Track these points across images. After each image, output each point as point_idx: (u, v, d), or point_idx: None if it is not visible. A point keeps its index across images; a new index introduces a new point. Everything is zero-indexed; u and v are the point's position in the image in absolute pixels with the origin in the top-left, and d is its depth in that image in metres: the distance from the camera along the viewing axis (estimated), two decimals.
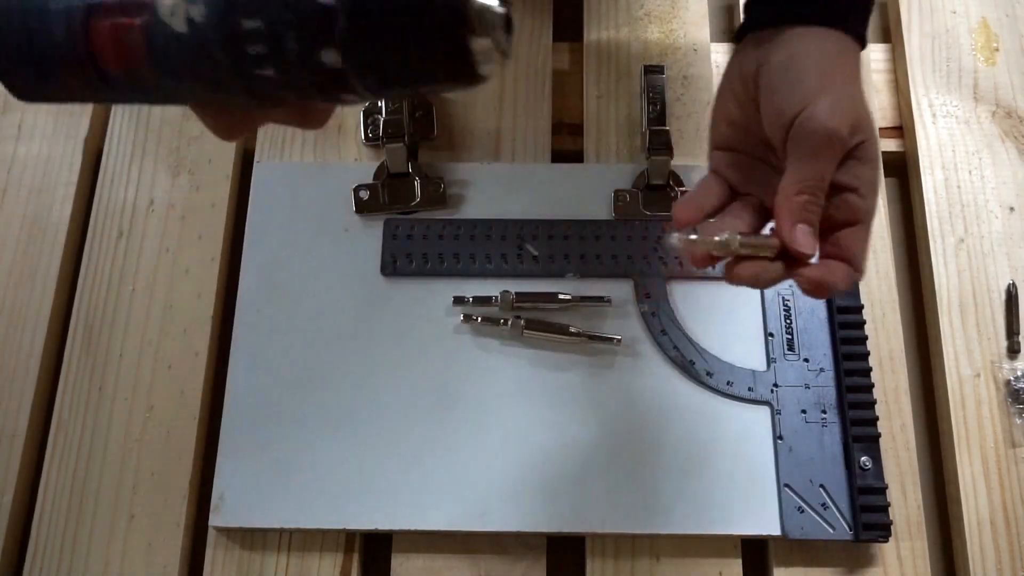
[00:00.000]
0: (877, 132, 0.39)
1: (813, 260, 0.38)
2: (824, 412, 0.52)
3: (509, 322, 0.54)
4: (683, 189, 0.58)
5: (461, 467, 0.51)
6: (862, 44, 0.41)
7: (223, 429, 0.53)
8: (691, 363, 0.53)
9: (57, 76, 0.32)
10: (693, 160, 0.61)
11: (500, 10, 0.29)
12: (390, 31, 0.29)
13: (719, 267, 0.55)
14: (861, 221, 0.39)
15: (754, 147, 0.42)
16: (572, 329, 0.54)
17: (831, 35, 0.40)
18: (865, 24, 0.41)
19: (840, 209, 0.39)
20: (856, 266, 0.39)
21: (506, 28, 0.30)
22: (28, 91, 0.33)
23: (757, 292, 0.55)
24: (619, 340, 0.54)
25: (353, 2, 0.28)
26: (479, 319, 0.54)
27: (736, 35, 0.44)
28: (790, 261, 0.39)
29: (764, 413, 0.52)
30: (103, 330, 0.57)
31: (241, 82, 0.30)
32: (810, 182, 0.38)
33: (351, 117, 0.62)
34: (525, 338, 0.54)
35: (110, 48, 0.30)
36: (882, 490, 0.50)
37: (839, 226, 0.39)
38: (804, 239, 0.38)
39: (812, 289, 0.38)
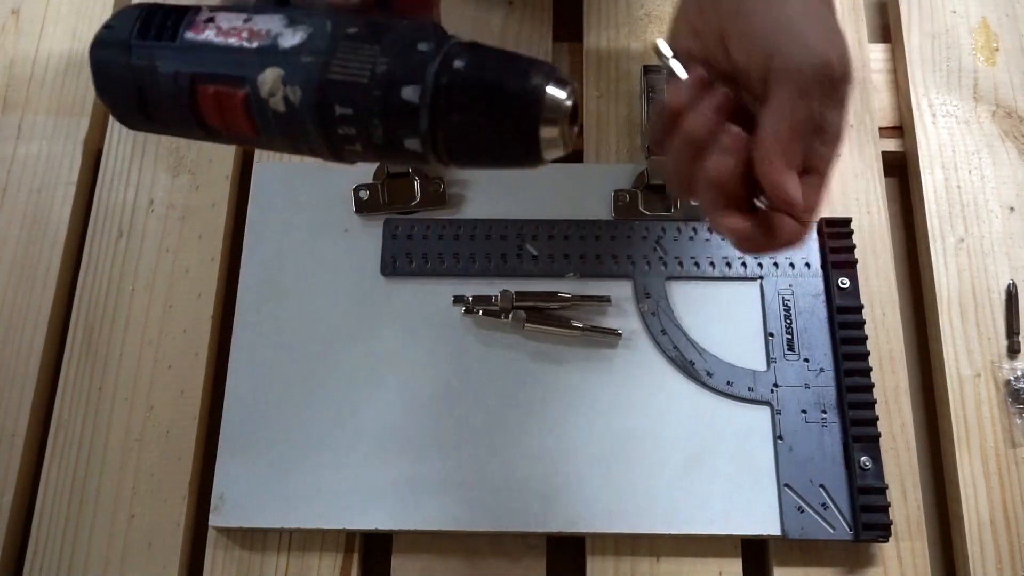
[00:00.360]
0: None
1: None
2: (824, 412, 0.52)
3: (511, 315, 0.54)
4: None
5: (461, 467, 0.51)
6: None
7: (223, 429, 0.53)
8: (691, 363, 0.53)
9: (164, 123, 0.35)
10: None
11: (568, 103, 0.31)
12: (468, 126, 0.31)
13: (718, 267, 0.56)
14: (817, 170, 0.35)
15: (719, 73, 0.37)
16: (574, 322, 0.54)
17: None
18: None
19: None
20: (804, 220, 0.34)
21: (572, 119, 0.32)
22: (138, 128, 0.37)
23: (757, 292, 0.55)
24: (620, 333, 0.54)
25: (434, 101, 0.30)
26: (480, 311, 0.54)
27: None
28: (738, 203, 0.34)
29: (764, 413, 0.52)
30: (103, 330, 0.57)
31: (331, 152, 0.33)
32: (802, 123, 0.33)
33: None
34: (526, 334, 0.54)
35: (213, 110, 0.33)
36: (882, 490, 0.50)
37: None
38: (797, 189, 0.33)
39: (749, 248, 0.35)
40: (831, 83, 0.34)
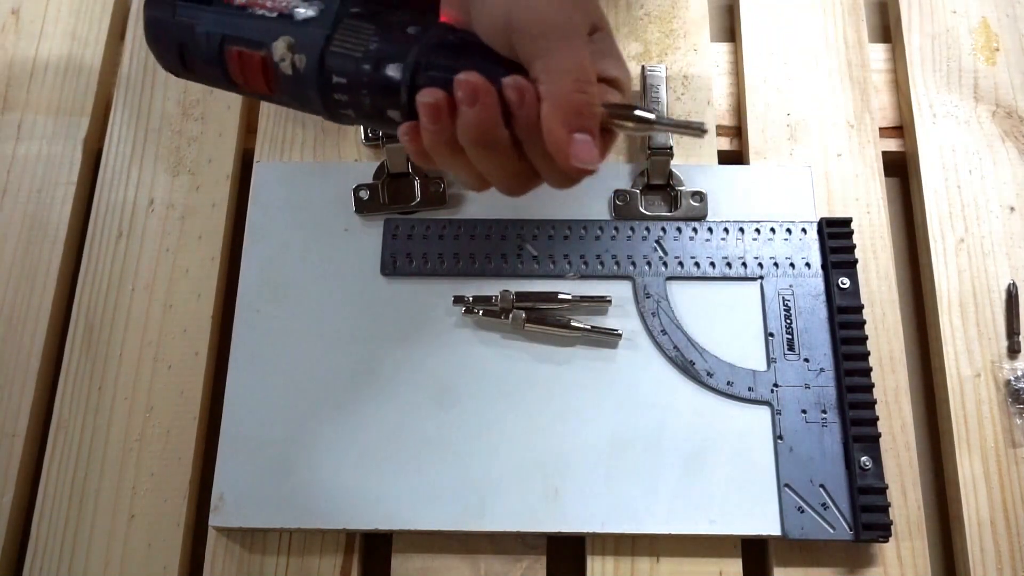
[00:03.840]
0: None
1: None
2: (824, 412, 0.52)
3: (511, 316, 0.54)
4: (683, 188, 0.58)
5: (461, 467, 0.51)
6: None
7: (223, 429, 0.53)
8: (691, 363, 0.53)
9: (199, 74, 0.41)
10: (693, 160, 0.61)
11: None
12: None
13: (719, 267, 0.56)
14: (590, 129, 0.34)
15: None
16: (574, 323, 0.54)
17: None
18: None
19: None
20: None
21: None
22: (179, 76, 0.42)
23: (757, 292, 0.55)
24: (620, 333, 0.54)
25: (413, 79, 0.35)
26: (480, 312, 0.54)
27: None
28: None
29: (764, 413, 0.52)
30: (103, 330, 0.57)
31: (328, 114, 0.38)
32: (577, 74, 0.32)
33: None
34: (526, 334, 0.55)
35: (237, 68, 0.39)
36: (882, 490, 0.50)
37: None
38: (587, 152, 0.32)
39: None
40: (577, 32, 0.33)
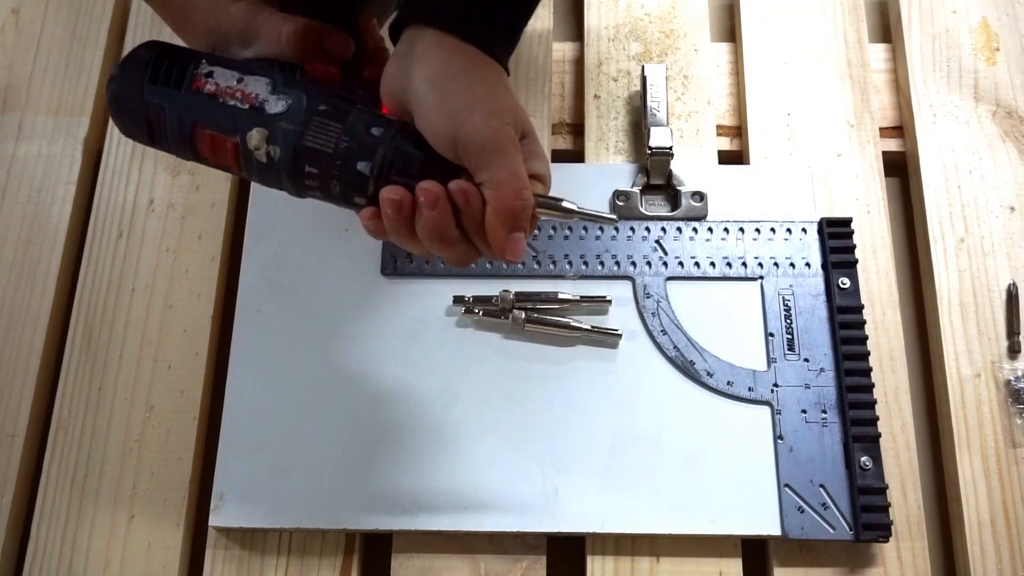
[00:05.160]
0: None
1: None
2: (824, 412, 0.52)
3: (511, 316, 0.54)
4: (683, 188, 0.58)
5: (461, 467, 0.51)
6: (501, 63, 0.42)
7: (223, 429, 0.53)
8: (691, 363, 0.53)
9: (165, 147, 0.42)
10: (693, 160, 0.61)
11: None
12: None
13: (719, 267, 0.56)
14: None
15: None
16: (574, 323, 0.54)
17: (463, 48, 0.40)
18: (503, 47, 0.42)
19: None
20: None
21: None
22: (141, 143, 0.43)
23: (757, 292, 0.55)
24: (620, 333, 0.54)
25: (379, 174, 0.39)
26: (480, 312, 0.54)
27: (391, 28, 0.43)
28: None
29: (764, 413, 0.52)
30: (103, 330, 0.57)
31: (296, 193, 0.41)
32: (514, 183, 0.38)
33: None
34: (526, 334, 0.55)
35: (208, 148, 0.41)
36: (882, 490, 0.50)
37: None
38: (519, 247, 0.38)
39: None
40: (515, 144, 0.38)
